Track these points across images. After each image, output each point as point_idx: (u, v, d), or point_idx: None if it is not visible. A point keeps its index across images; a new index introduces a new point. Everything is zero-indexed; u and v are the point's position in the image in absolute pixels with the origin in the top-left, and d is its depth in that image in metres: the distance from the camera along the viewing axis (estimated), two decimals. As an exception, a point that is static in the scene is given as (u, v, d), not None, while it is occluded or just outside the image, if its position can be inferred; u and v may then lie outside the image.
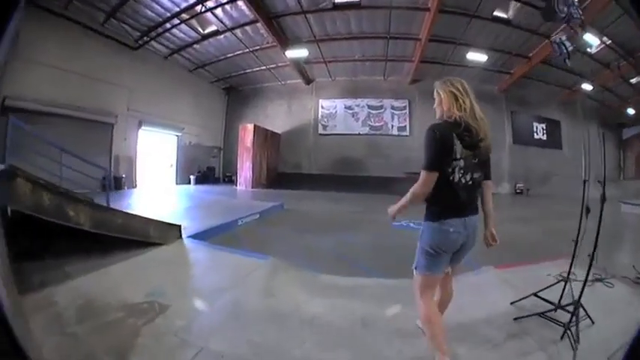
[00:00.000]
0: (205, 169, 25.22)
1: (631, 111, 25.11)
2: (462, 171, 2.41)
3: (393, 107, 24.76)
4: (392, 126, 24.79)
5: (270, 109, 26.79)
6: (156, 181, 20.55)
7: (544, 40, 16.71)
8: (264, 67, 23.34)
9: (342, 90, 25.46)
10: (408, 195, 2.57)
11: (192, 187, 21.16)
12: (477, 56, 19.18)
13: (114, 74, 16.97)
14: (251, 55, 21.28)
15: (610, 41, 16.45)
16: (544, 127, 25.26)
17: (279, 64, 22.56)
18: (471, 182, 2.48)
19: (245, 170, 21.66)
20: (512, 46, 18.65)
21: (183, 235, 6.37)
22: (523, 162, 23.99)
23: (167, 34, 18.25)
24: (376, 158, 24.35)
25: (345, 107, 25.24)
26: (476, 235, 2.63)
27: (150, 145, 20.17)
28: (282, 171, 25.53)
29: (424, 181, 2.44)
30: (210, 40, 19.44)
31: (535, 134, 25.06)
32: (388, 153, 24.26)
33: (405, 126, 24.63)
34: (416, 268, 2.66)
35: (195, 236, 6.65)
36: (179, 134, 22.55)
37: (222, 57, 21.74)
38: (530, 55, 19.26)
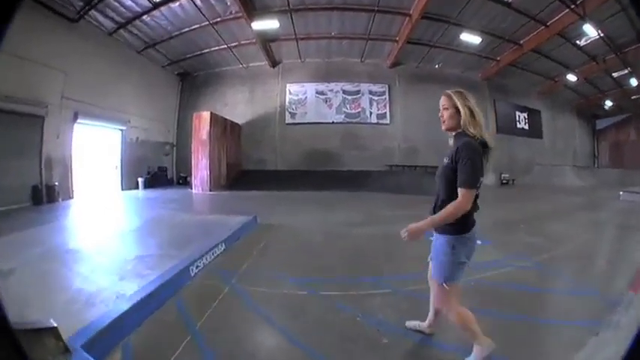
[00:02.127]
0: (156, 169, 21.33)
1: (609, 103, 27.18)
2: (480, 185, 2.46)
3: (371, 92, 22.26)
4: (370, 113, 22.25)
5: (229, 97, 23.39)
6: (97, 187, 16.84)
7: (540, 26, 16.88)
8: (224, 46, 20.08)
9: (313, 73, 22.45)
10: (447, 212, 2.40)
11: (140, 193, 17.56)
12: (470, 38, 18.16)
13: (46, 53, 13.26)
14: (211, 29, 17.96)
15: (603, 34, 16.80)
16: (526, 117, 25.45)
17: (243, 42, 19.68)
18: (479, 193, 2.49)
19: (201, 169, 17.85)
20: (506, 31, 18.00)
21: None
22: (507, 152, 23.43)
23: (113, 1, 14.92)
24: (353, 150, 21.78)
25: (317, 92, 22.32)
26: None
27: (88, 143, 16.37)
28: (244, 168, 22.25)
29: (467, 199, 2.37)
30: (163, 9, 16.08)
31: (518, 123, 25.18)
32: (366, 144, 21.93)
33: (385, 113, 22.26)
34: (446, 282, 2.59)
35: (93, 345, 2.85)
36: (123, 128, 18.72)
37: (177, 32, 18.26)
38: (522, 41, 18.82)
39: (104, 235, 7.22)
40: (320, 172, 20.55)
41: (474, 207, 2.47)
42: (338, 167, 21.23)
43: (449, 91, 2.62)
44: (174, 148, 23.73)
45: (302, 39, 19.51)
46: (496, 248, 6.29)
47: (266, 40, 19.57)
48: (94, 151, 16.93)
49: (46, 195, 13.23)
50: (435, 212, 2.53)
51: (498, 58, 20.89)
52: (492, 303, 4.01)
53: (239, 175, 21.20)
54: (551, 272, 5.35)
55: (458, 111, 2.54)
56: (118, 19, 16.21)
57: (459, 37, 18.13)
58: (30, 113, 12.78)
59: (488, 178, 20.16)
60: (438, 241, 2.63)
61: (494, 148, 2.51)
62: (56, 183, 13.71)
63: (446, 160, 2.50)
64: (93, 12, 14.97)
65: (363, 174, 19.94)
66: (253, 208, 11.07)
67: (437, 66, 22.10)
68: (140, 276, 4.52)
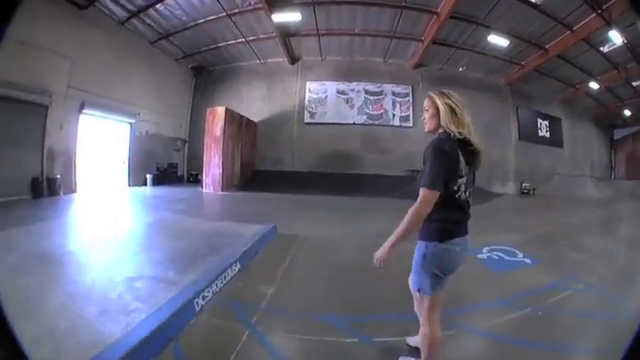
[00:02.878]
0: (166, 166, 20.30)
1: (627, 112, 25.59)
2: (463, 187, 2.25)
3: (394, 93, 20.91)
4: (393, 115, 20.83)
5: (245, 93, 22.06)
6: (102, 182, 15.87)
7: (566, 31, 16.04)
8: (242, 40, 18.87)
9: (334, 71, 21.09)
10: (408, 219, 2.21)
11: (148, 190, 16.53)
12: (498, 40, 17.16)
13: (52, 39, 12.41)
14: (228, 21, 16.80)
15: (626, 41, 15.83)
16: (547, 125, 23.98)
17: (261, 36, 18.50)
18: (467, 198, 2.32)
19: (213, 167, 16.55)
20: (533, 35, 17.03)
21: None
22: (529, 160, 22.19)
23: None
24: (374, 153, 20.44)
25: (338, 92, 20.93)
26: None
27: (95, 135, 15.40)
28: (259, 168, 20.85)
29: (427, 200, 2.15)
30: (179, -2, 15.07)
31: (539, 131, 23.63)
32: (388, 147, 20.52)
33: (408, 116, 20.83)
34: (419, 291, 2.42)
35: None
36: (132, 121, 17.61)
37: (192, 23, 17.15)
38: (548, 46, 17.80)
39: (93, 243, 5.87)
40: (339, 174, 19.25)
41: (459, 215, 2.31)
42: (358, 170, 19.91)
43: (431, 93, 2.46)
44: (186, 144, 22.60)
45: (324, 34, 18.27)
46: (548, 268, 5.70)
47: (286, 35, 18.36)
48: (100, 144, 15.98)
49: (47, 188, 12.43)
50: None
51: (523, 63, 19.76)
52: (572, 335, 3.44)
53: (253, 175, 19.93)
54: (611, 296, 4.63)
55: (439, 110, 2.36)
56: (129, 7, 15.27)
57: (485, 38, 17.11)
58: (33, 101, 11.90)
59: (509, 187, 21.22)
60: (416, 247, 2.42)
61: (483, 151, 2.31)
62: (58, 176, 12.83)
63: (422, 166, 2.29)
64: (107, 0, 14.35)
65: (384, 179, 18.64)
66: (270, 213, 9.96)
67: (461, 69, 20.95)
68: (125, 312, 3.18)
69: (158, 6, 15.40)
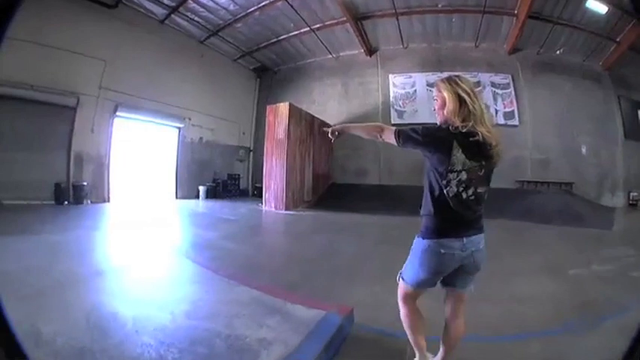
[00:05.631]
0: (226, 177, 17.61)
1: None
2: (463, 185, 2.02)
3: (493, 84, 16.30)
4: (496, 111, 16.13)
5: (317, 93, 18.42)
6: (143, 193, 14.22)
7: None
8: (306, 28, 15.61)
9: (420, 60, 16.85)
10: (362, 127, 2.51)
11: (196, 205, 14.04)
12: (595, 5, 13.44)
13: (79, 40, 11.78)
14: (285, 6, 13.92)
15: None
16: None
17: (328, 23, 15.36)
18: (473, 197, 2.05)
19: (275, 179, 12.86)
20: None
21: None
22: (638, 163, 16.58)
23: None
24: None
25: (428, 85, 16.32)
26: (481, 257, 2.15)
27: (136, 141, 14.17)
28: (338, 181, 17.05)
29: (383, 134, 2.22)
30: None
31: None
32: (493, 152, 15.25)
33: (513, 111, 16.09)
34: (402, 277, 2.30)
35: None
36: (181, 126, 15.71)
37: (242, 13, 14.59)
38: None
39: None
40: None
41: (452, 213, 2.04)
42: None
43: (439, 80, 2.20)
44: (251, 153, 19.78)
45: (402, 14, 14.60)
46: None
47: (357, 17, 14.94)
48: (143, 150, 14.48)
49: (73, 195, 11.57)
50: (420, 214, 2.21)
51: (618, 40, 15.22)
52: None
53: (330, 189, 16.30)
54: None
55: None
56: (166, 1, 13.69)
57: (583, 6, 13.39)
58: (55, 103, 11.27)
59: (617, 197, 16.08)
60: None
61: (496, 144, 2.05)
62: (85, 183, 11.93)
63: None
64: None
65: (491, 193, 13.78)
66: (347, 260, 5.87)
67: (558, 52, 16.27)
68: None
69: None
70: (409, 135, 2.04)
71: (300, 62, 19.00)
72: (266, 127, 13.57)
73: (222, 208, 12.87)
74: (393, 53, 17.29)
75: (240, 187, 18.51)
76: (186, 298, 3.63)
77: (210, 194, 16.04)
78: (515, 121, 15.98)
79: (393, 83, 16.95)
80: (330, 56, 18.00)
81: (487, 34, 15.92)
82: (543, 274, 5.11)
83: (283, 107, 13.11)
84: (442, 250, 2.02)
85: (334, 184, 16.75)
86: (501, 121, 15.89)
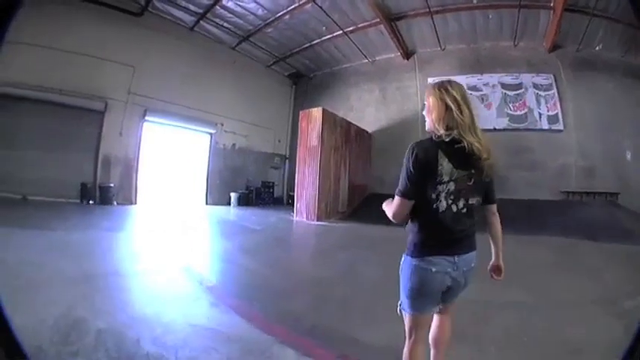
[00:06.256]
0: (260, 184, 17.44)
1: None
2: (451, 197, 1.86)
3: (535, 85, 15.14)
4: (539, 115, 14.98)
5: (354, 99, 17.80)
6: (173, 197, 14.54)
7: None
8: (339, 32, 15.16)
9: (459, 62, 16.05)
10: (386, 208, 2.09)
11: (225, 212, 13.76)
12: None
13: (107, 48, 12.39)
14: (315, 9, 13.54)
15: None
16: None
17: (361, 25, 14.79)
18: (464, 209, 1.89)
19: (307, 188, 12.16)
20: None
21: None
22: None
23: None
24: (521, 169, 14.56)
25: (469, 88, 15.25)
26: (470, 275, 2.01)
27: (167, 146, 14.60)
28: (376, 191, 15.77)
29: (397, 207, 1.95)
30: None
31: None
32: (536, 159, 14.67)
33: (557, 114, 14.78)
34: (402, 308, 2.08)
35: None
36: (213, 132, 15.82)
37: (271, 17, 14.31)
38: None
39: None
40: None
41: (442, 229, 1.89)
42: (501, 194, 13.90)
43: (430, 85, 2.04)
44: (287, 161, 19.48)
45: (437, 12, 13.92)
46: None
47: (390, 18, 14.20)
48: (173, 155, 14.84)
49: (99, 195, 11.99)
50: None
51: None
52: None
53: (366, 199, 15.28)
54: None
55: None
56: (193, 8, 13.83)
57: None
58: (83, 107, 11.78)
59: None
60: None
61: (484, 151, 1.86)
62: (112, 184, 12.29)
63: None
64: (162, 4, 13.40)
65: (533, 205, 13.18)
66: (369, 278, 5.22)
67: (597, 47, 15.03)
68: None
69: (225, 1, 13.24)
70: (407, 186, 1.87)
71: (336, 67, 18.53)
72: (298, 134, 12.98)
73: (251, 216, 12.37)
74: (431, 55, 16.59)
75: (275, 195, 18.24)
76: (153, 317, 3.26)
77: (243, 201, 15.82)
78: (560, 125, 14.81)
79: (433, 87, 15.88)
80: (366, 60, 17.48)
81: (525, 31, 15.04)
82: (593, 308, 4.13)
83: (316, 112, 12.48)
84: (433, 269, 1.90)
85: (372, 194, 15.69)
86: (545, 125, 14.97)
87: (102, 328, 2.86)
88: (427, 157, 1.83)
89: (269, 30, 15.13)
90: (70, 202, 11.01)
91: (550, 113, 14.96)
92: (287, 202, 17.99)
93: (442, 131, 1.86)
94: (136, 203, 12.94)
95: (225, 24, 14.78)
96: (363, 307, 3.91)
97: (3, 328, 1.29)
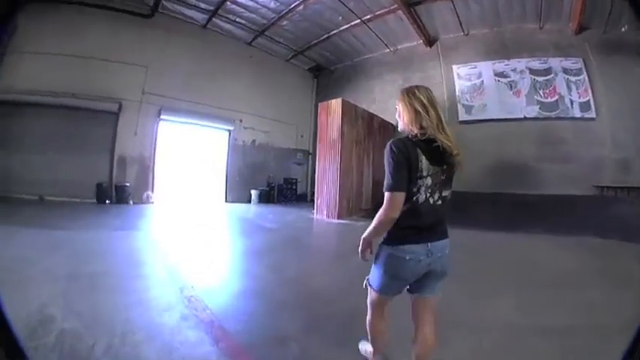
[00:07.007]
0: (282, 181, 17.11)
1: None
2: (429, 190, 2.00)
3: (565, 70, 13.92)
4: (571, 102, 13.74)
5: (378, 91, 16.99)
6: (191, 195, 14.46)
7: None
8: (356, 21, 14.50)
9: (484, 48, 15.09)
10: (375, 220, 2.02)
11: (250, 209, 13.84)
12: None
13: (119, 50, 12.58)
14: None
15: None
16: None
17: (378, 12, 14.03)
18: (439, 202, 2.05)
19: (328, 185, 11.54)
20: None
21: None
22: None
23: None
24: (553, 161, 13.47)
25: (496, 74, 14.64)
26: (446, 262, 2.09)
27: (184, 144, 14.56)
28: None
29: (391, 203, 1.93)
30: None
31: None
32: (569, 151, 13.40)
33: (589, 101, 13.50)
34: (369, 283, 2.23)
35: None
36: (231, 129, 15.68)
37: (284, 9, 13.92)
38: None
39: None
40: (507, 196, 12.82)
41: (417, 219, 1.98)
42: (531, 189, 13.16)
43: (401, 90, 2.21)
44: (310, 156, 18.88)
45: None
46: None
47: (408, 3, 13.36)
48: (191, 152, 14.74)
49: (116, 195, 12.15)
50: None
51: None
52: None
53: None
54: None
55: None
56: (204, 6, 13.74)
57: None
58: (97, 109, 11.98)
59: None
60: None
61: (453, 148, 2.00)
62: (127, 184, 12.40)
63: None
64: (171, 4, 13.42)
65: (566, 201, 12.07)
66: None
67: (623, 29, 13.62)
68: None
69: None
70: (398, 177, 1.90)
71: (357, 59, 17.90)
72: (318, 127, 12.40)
73: (270, 214, 11.93)
74: (454, 42, 15.74)
75: (298, 192, 17.83)
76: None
77: (264, 198, 15.58)
78: (592, 113, 13.62)
79: (458, 75, 15.34)
80: (387, 50, 16.76)
81: (550, 12, 13.90)
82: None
83: (335, 104, 11.84)
84: (407, 257, 1.97)
85: (397, 191, 14.95)
86: (577, 114, 13.85)
87: (65, 329, 2.78)
88: (410, 153, 1.91)
89: (284, 23, 14.74)
90: (85, 202, 11.24)
91: (582, 100, 13.85)
92: (310, 199, 17.44)
93: (417, 131, 1.97)
94: (152, 202, 13.00)
95: (238, 19, 14.56)
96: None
97: (3, 328, 1.30)
